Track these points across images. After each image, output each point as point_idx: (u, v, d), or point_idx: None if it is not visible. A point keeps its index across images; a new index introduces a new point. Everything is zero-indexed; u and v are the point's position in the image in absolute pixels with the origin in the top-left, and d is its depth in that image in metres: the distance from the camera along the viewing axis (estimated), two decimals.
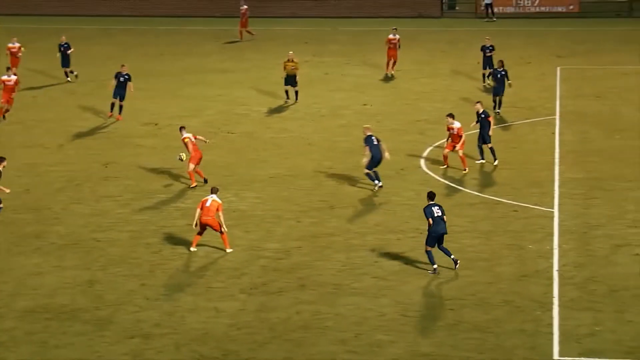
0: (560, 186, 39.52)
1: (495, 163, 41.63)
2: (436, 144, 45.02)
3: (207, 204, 32.84)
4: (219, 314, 29.11)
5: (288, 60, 52.55)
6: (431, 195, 32.59)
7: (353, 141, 45.23)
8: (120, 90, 47.84)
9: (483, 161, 41.94)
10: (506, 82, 49.25)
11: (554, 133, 46.60)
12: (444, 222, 31.76)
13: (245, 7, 71.82)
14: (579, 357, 26.37)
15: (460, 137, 40.87)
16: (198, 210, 33.07)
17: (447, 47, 67.73)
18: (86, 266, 32.43)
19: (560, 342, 27.10)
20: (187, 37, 72.58)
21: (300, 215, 36.93)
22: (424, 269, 31.81)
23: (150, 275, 31.75)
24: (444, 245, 31.93)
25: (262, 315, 28.94)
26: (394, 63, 59.38)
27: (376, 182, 39.31)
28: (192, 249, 33.34)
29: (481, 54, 55.04)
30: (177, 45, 70.07)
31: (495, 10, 79.60)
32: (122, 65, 46.79)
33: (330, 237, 34.87)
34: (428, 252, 31.83)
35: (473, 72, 54.53)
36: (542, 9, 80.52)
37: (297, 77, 52.48)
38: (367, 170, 39.36)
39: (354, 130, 47.03)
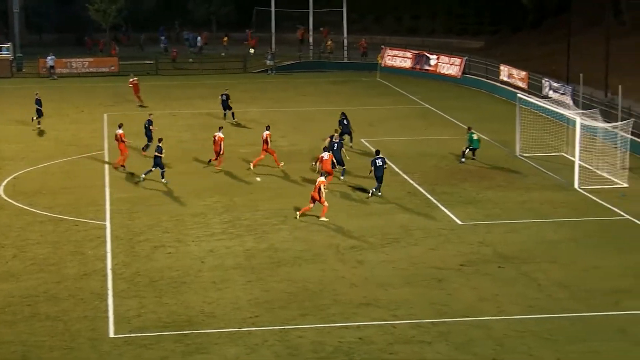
0: (110, 204, 39.24)
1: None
2: (11, 177, 43.55)
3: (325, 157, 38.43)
4: None
5: None
6: (377, 152, 40.11)
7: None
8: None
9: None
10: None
11: (105, 162, 46.05)
12: (384, 169, 39.05)
13: None
14: (130, 333, 26.38)
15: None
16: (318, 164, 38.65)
17: (19, 100, 64.62)
18: None
19: (115, 323, 27.03)
20: None
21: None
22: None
23: None
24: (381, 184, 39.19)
25: None
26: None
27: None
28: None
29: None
30: None
31: (56, 70, 77.83)
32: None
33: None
34: (376, 187, 39.11)
35: (56, 124, 52.68)
36: (91, 69, 79.60)
37: None
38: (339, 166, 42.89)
39: None
